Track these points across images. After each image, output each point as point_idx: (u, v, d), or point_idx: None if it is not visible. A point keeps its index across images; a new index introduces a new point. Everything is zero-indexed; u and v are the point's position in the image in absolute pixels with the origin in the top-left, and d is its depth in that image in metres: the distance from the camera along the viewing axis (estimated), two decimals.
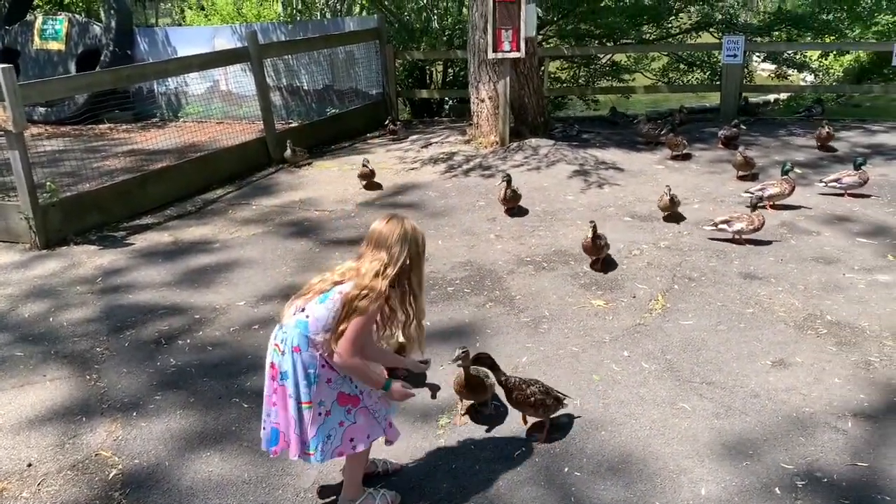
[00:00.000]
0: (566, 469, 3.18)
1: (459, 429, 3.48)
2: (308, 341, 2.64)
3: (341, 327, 2.63)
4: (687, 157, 8.00)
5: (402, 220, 2.77)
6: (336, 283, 2.70)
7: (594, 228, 5.12)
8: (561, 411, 3.47)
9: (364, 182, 7.38)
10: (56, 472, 3.25)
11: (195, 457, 3.32)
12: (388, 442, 2.94)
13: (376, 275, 2.66)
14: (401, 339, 3.23)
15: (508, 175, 6.40)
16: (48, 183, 6.50)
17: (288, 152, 8.24)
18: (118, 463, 3.31)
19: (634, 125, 9.19)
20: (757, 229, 5.50)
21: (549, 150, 8.21)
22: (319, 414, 2.69)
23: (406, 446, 3.35)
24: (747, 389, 3.72)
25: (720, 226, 5.57)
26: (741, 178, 7.15)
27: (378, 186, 7.42)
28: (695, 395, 3.68)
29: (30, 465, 3.31)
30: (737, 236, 5.57)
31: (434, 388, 3.71)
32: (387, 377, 2.84)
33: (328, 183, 7.73)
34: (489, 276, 5.22)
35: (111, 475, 3.23)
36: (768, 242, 5.56)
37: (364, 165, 7.36)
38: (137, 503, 3.04)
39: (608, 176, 7.45)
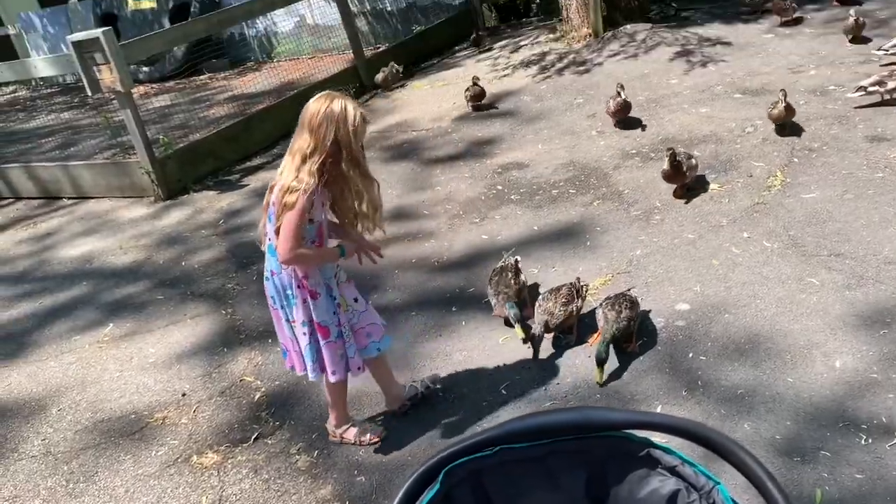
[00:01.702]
0: (690, 354, 3.15)
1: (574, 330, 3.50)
2: (279, 264, 2.64)
3: (277, 225, 2.56)
4: (798, 21, 7.39)
5: (331, 97, 2.54)
6: (277, 189, 2.61)
7: (672, 156, 4.33)
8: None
9: (473, 103, 6.85)
10: (208, 399, 3.54)
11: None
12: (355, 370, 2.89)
13: (303, 161, 2.53)
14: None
15: (621, 84, 5.74)
16: (162, 137, 6.84)
17: (380, 76, 8.23)
18: (261, 386, 3.56)
19: None
20: None
21: (647, 35, 7.80)
22: (304, 333, 2.73)
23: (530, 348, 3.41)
24: (881, 257, 3.51)
25: (870, 88, 5.10)
26: (854, 41, 6.52)
27: (489, 106, 6.92)
28: (823, 269, 3.52)
29: (184, 394, 3.62)
30: (888, 97, 5.09)
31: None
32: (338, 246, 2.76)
33: (421, 102, 7.70)
34: (594, 174, 5.11)
35: (256, 397, 3.49)
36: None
37: (475, 84, 6.82)
38: (283, 419, 3.28)
39: (713, 53, 7.02)
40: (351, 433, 3.02)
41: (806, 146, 4.78)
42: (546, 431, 1.03)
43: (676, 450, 1.04)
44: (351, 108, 2.53)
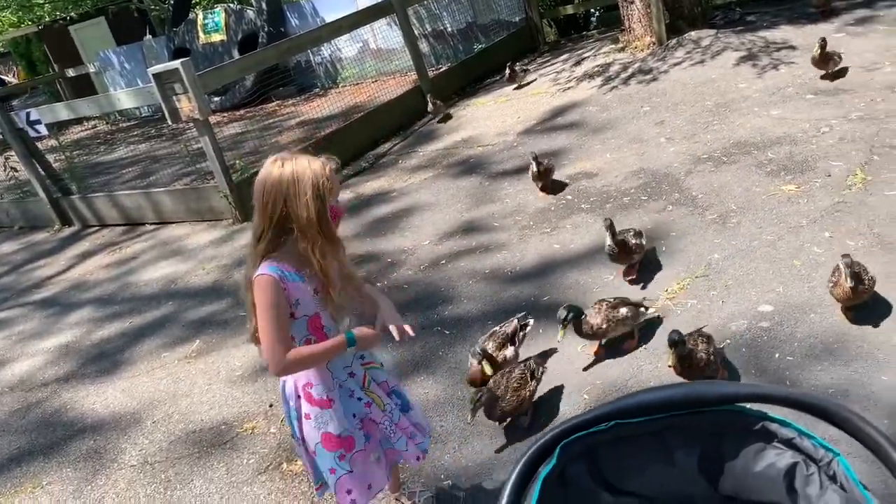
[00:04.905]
0: (777, 355, 3.09)
1: (654, 335, 3.48)
2: None
3: (253, 324, 2.12)
4: (833, 11, 7.20)
5: (283, 161, 2.03)
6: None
7: (610, 226, 3.81)
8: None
9: (540, 183, 5.38)
10: None
11: (410, 381, 3.59)
12: (417, 459, 2.46)
13: (255, 244, 2.08)
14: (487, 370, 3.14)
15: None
16: (237, 162, 7.09)
17: (430, 106, 8.25)
18: None
19: None
20: None
21: (712, 41, 7.71)
22: (307, 450, 2.29)
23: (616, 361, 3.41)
24: None
25: None
26: None
27: (560, 186, 5.43)
28: None
29: (271, 405, 3.72)
30: None
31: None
32: (345, 333, 2.18)
33: (486, 118, 7.78)
34: (665, 180, 5.07)
35: None
36: None
37: (536, 161, 5.26)
38: None
39: (781, 56, 6.89)
40: None
41: (886, 143, 4.65)
42: (660, 406, 1.05)
43: (793, 422, 1.05)
44: (310, 167, 2.02)
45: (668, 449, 1.09)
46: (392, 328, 2.24)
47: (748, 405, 1.06)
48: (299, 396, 2.21)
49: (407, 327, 2.26)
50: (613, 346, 3.45)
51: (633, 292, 3.83)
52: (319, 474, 2.32)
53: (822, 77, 5.91)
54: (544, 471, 1.05)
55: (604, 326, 3.28)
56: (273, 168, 2.03)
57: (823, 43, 5.78)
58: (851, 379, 2.84)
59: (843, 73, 5.94)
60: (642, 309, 3.43)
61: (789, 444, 1.04)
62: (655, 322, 3.53)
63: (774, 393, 1.01)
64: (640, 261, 4.01)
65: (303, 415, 2.21)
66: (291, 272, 2.06)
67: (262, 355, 2.08)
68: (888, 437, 0.94)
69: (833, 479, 1.00)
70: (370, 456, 2.30)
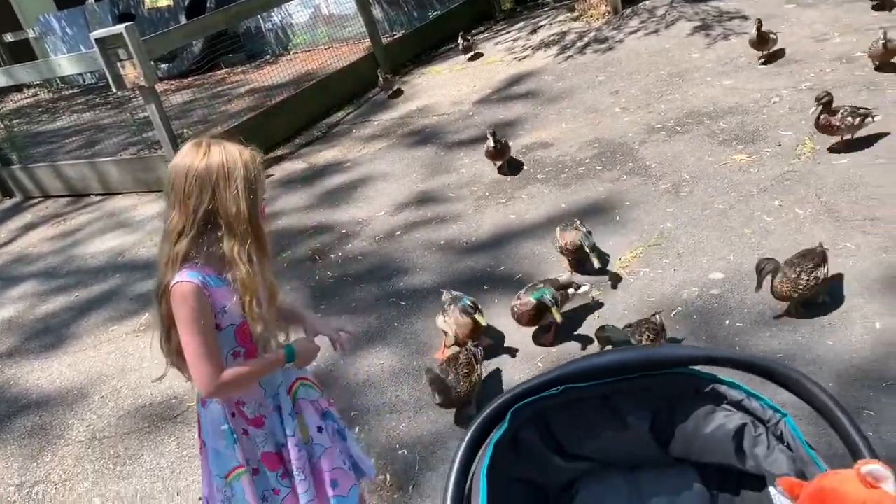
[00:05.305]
0: (727, 322, 3.14)
1: (608, 303, 3.51)
2: None
3: (174, 342, 1.87)
4: None
5: (209, 146, 1.80)
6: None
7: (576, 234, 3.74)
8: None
9: (498, 163, 5.23)
10: None
11: (365, 353, 3.56)
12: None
13: (173, 245, 1.80)
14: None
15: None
16: (185, 131, 6.89)
17: (380, 81, 8.07)
18: None
19: None
20: None
21: (666, 10, 7.73)
22: (248, 473, 2.00)
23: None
24: None
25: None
26: (877, 8, 6.43)
27: (517, 166, 5.22)
28: (858, 233, 3.48)
29: None
30: None
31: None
32: (284, 346, 2.01)
33: (441, 87, 7.70)
34: (620, 150, 5.09)
35: None
36: None
37: (491, 136, 5.03)
38: None
39: (734, 26, 6.94)
40: None
41: None
42: (611, 369, 1.04)
43: (742, 384, 1.04)
44: (241, 155, 1.82)
45: (620, 413, 1.08)
46: (339, 337, 2.17)
47: (698, 368, 1.05)
48: (234, 415, 1.97)
49: (350, 329, 2.22)
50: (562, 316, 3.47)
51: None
52: None
53: (760, 59, 5.88)
54: (496, 435, 1.03)
55: (523, 321, 3.27)
56: (197, 155, 1.78)
57: (759, 24, 5.76)
58: (799, 343, 2.90)
59: (779, 54, 5.95)
60: (570, 290, 3.37)
61: (738, 405, 1.04)
62: (612, 286, 3.56)
63: (725, 356, 1.00)
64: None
65: (241, 432, 1.98)
66: (213, 276, 1.82)
67: (188, 376, 1.84)
68: (834, 396, 0.95)
69: (780, 439, 1.01)
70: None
